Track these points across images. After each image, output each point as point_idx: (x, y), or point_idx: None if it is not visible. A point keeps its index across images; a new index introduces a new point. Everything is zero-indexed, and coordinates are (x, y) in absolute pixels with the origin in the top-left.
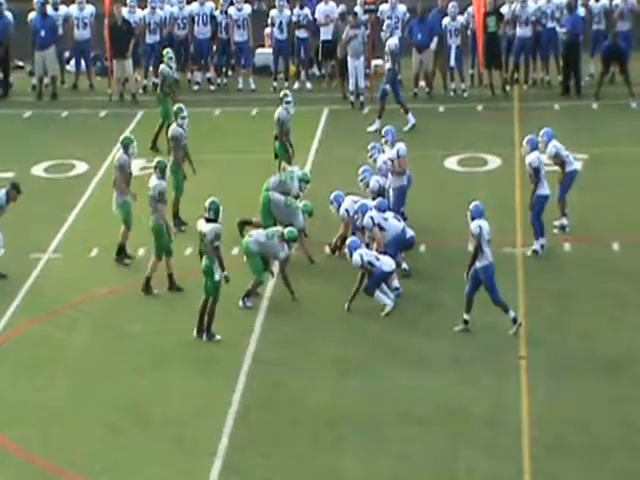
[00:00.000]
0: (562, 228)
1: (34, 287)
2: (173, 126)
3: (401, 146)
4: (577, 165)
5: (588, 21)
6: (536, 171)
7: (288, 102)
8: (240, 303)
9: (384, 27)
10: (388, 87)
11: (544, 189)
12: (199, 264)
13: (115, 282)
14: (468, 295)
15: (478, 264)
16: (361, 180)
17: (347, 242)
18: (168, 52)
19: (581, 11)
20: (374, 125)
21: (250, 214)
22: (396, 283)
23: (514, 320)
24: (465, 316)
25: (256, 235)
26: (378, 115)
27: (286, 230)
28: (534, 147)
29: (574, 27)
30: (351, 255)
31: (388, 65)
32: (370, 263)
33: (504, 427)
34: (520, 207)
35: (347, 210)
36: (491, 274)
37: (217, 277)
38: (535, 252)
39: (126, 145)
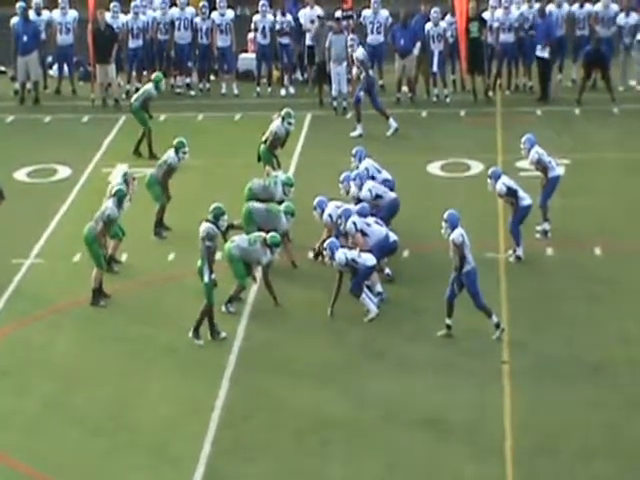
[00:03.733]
0: (544, 233)
1: (16, 292)
2: (171, 154)
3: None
4: (560, 171)
5: (570, 27)
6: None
7: (290, 123)
8: (223, 308)
9: (349, 41)
10: (362, 94)
11: (526, 199)
12: (181, 269)
13: None
14: (449, 299)
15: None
16: (341, 182)
17: (326, 244)
18: (159, 76)
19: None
20: (356, 130)
21: (231, 218)
22: (379, 288)
23: (497, 325)
24: (447, 321)
25: (238, 240)
26: (357, 120)
27: (269, 235)
28: (533, 144)
29: (547, 33)
30: (332, 256)
31: (363, 74)
32: (354, 260)
33: (487, 431)
34: (503, 212)
35: (330, 215)
36: (474, 279)
37: (206, 279)
38: (519, 258)
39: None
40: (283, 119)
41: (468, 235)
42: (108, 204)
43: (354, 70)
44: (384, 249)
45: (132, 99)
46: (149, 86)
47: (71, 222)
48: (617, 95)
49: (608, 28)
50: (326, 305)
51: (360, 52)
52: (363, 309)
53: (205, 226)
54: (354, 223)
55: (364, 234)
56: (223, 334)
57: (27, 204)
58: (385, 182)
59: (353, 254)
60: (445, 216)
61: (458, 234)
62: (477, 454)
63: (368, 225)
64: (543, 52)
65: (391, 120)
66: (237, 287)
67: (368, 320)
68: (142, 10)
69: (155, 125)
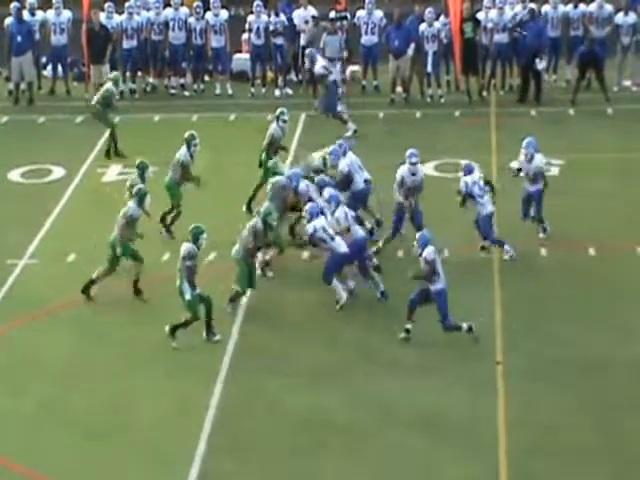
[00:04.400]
0: (544, 230)
1: (11, 293)
2: (182, 151)
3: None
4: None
5: (565, 27)
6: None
7: (284, 121)
8: (226, 306)
9: (306, 57)
10: (335, 102)
11: (489, 207)
12: (176, 269)
13: (92, 288)
14: (412, 304)
15: (432, 287)
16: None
17: (307, 207)
18: (116, 75)
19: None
20: (349, 131)
21: (227, 218)
22: (351, 284)
23: (469, 329)
24: (407, 325)
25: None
26: (344, 122)
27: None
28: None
29: (537, 34)
30: (310, 219)
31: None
32: (323, 240)
33: (481, 432)
34: (497, 212)
35: (307, 186)
36: (444, 299)
37: (188, 297)
38: (511, 257)
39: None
40: (277, 118)
41: (462, 236)
42: (130, 204)
43: (348, 70)
44: (354, 247)
45: (93, 102)
46: (108, 85)
47: (65, 222)
48: (611, 95)
49: (602, 28)
50: (321, 306)
51: (318, 68)
52: (359, 309)
53: (185, 246)
54: (346, 213)
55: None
56: (218, 337)
57: (21, 204)
58: (366, 182)
59: (325, 234)
60: (417, 236)
61: (430, 251)
62: (471, 454)
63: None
64: (540, 65)
65: (349, 124)
66: (235, 292)
67: (339, 307)
68: (136, 10)
69: (149, 126)
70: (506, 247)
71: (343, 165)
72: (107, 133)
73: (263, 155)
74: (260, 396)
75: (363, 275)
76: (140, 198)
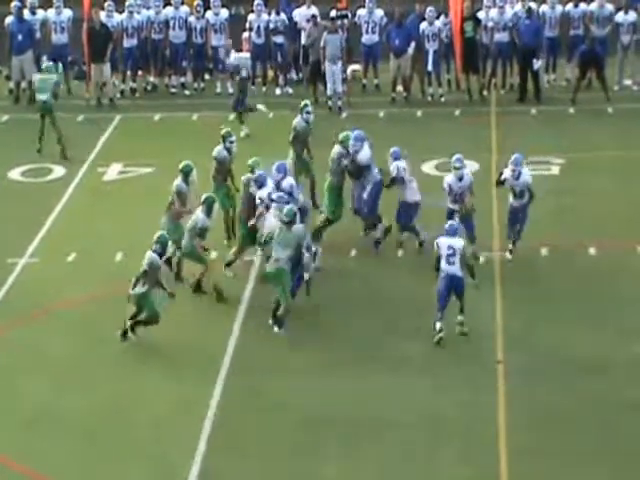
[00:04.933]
0: (512, 249)
1: (11, 292)
2: (218, 147)
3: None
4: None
5: (565, 26)
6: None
7: (308, 112)
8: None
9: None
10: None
11: (414, 196)
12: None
13: (92, 287)
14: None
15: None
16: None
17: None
18: (55, 66)
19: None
20: (242, 132)
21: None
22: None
23: (439, 329)
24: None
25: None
26: (241, 122)
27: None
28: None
29: (534, 33)
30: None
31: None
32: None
33: (481, 431)
34: (497, 211)
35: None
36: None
37: (137, 291)
38: (421, 243)
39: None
40: (301, 110)
41: (462, 235)
42: (198, 215)
43: (349, 70)
44: None
45: (44, 99)
46: (52, 76)
47: (66, 221)
48: (612, 94)
49: (603, 27)
50: (322, 304)
51: (233, 57)
52: (359, 309)
53: (149, 255)
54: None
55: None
56: (133, 337)
57: (22, 203)
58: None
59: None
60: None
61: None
62: (472, 453)
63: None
64: (536, 64)
65: (244, 126)
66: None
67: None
68: (137, 9)
69: (149, 125)
70: (422, 235)
71: (362, 155)
72: (54, 132)
73: (290, 152)
74: (260, 395)
75: None
76: (209, 207)
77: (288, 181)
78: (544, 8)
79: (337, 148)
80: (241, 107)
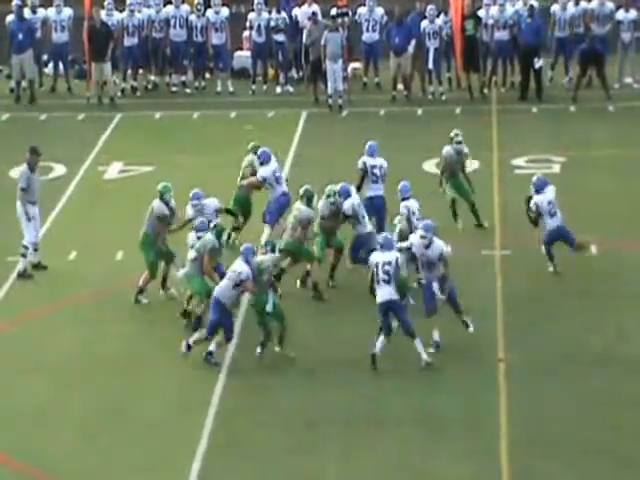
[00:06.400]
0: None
1: (12, 290)
2: (249, 157)
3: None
4: None
5: (570, 25)
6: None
7: (459, 142)
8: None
9: None
10: None
11: (367, 227)
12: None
13: (94, 285)
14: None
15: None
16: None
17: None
18: None
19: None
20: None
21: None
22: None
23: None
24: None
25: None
26: None
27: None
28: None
29: (535, 32)
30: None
31: None
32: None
33: (483, 429)
34: (498, 209)
35: None
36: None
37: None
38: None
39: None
40: (451, 140)
41: (466, 233)
42: (299, 206)
43: (349, 68)
44: None
45: None
46: None
47: (67, 220)
48: (612, 93)
49: (603, 26)
50: (320, 304)
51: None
52: (359, 308)
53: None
54: None
55: None
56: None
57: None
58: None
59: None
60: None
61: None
62: (473, 452)
63: None
64: (537, 63)
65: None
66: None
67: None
68: (137, 8)
69: (150, 123)
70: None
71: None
72: None
73: (443, 182)
74: (261, 394)
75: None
76: (309, 199)
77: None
78: (555, 8)
79: (324, 202)
80: None
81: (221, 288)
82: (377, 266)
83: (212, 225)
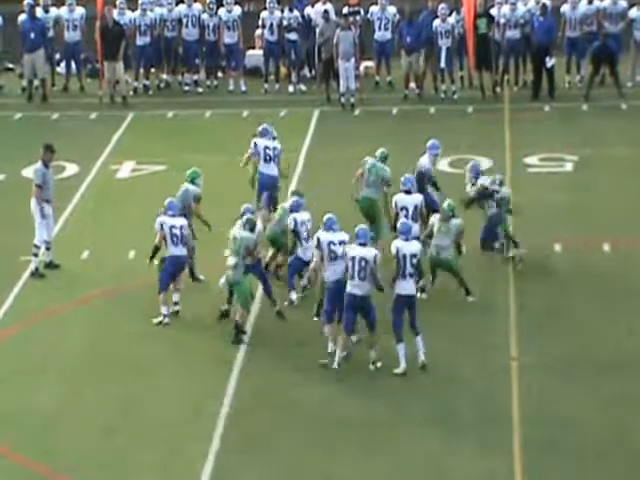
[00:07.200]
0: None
1: (24, 290)
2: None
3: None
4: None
5: (580, 24)
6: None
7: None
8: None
9: None
10: None
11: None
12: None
13: (106, 285)
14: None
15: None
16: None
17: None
18: None
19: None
20: None
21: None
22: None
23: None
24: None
25: None
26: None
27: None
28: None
29: (547, 31)
30: None
31: None
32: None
33: (496, 428)
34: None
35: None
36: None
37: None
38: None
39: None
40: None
41: (479, 233)
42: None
43: (361, 66)
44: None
45: None
46: None
47: (79, 219)
48: (625, 91)
49: (616, 24)
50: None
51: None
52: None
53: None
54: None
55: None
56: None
57: None
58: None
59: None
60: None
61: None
62: (486, 451)
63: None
64: (549, 62)
65: None
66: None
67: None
68: (149, 7)
69: (162, 122)
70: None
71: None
72: None
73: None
74: (274, 392)
75: None
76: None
77: None
78: (565, 8)
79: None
80: None
81: None
82: (404, 258)
83: (244, 219)
